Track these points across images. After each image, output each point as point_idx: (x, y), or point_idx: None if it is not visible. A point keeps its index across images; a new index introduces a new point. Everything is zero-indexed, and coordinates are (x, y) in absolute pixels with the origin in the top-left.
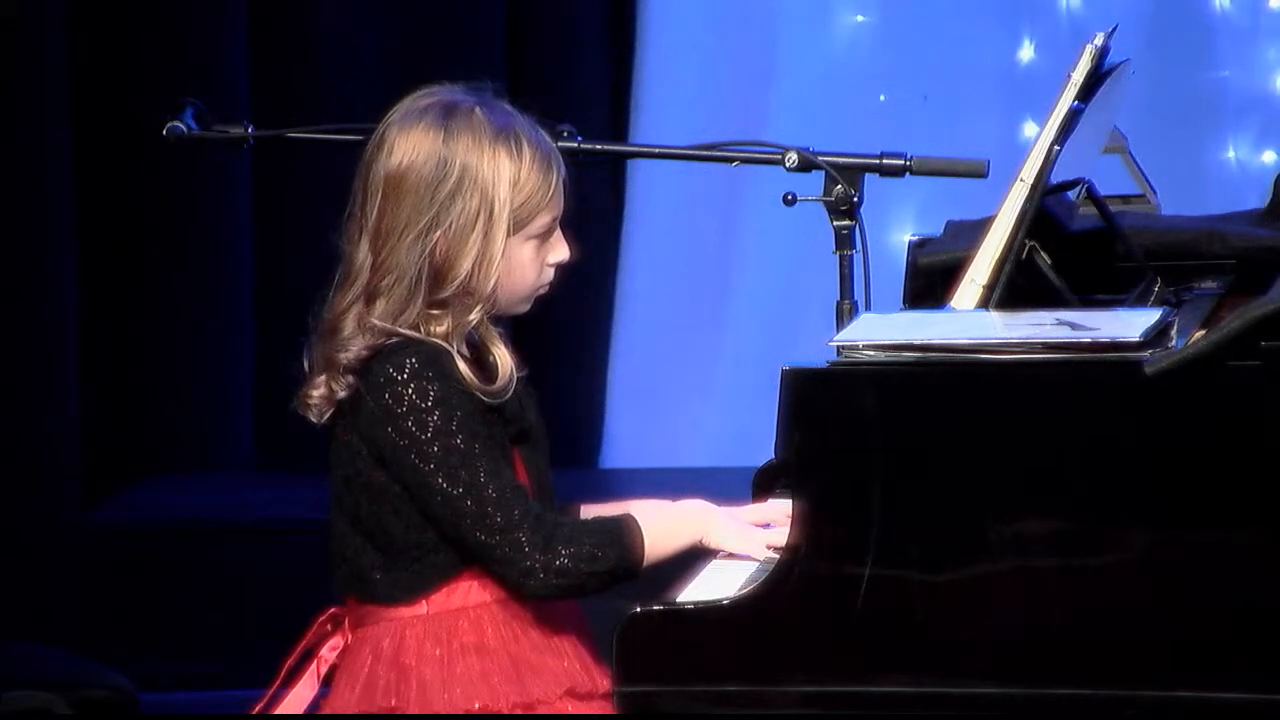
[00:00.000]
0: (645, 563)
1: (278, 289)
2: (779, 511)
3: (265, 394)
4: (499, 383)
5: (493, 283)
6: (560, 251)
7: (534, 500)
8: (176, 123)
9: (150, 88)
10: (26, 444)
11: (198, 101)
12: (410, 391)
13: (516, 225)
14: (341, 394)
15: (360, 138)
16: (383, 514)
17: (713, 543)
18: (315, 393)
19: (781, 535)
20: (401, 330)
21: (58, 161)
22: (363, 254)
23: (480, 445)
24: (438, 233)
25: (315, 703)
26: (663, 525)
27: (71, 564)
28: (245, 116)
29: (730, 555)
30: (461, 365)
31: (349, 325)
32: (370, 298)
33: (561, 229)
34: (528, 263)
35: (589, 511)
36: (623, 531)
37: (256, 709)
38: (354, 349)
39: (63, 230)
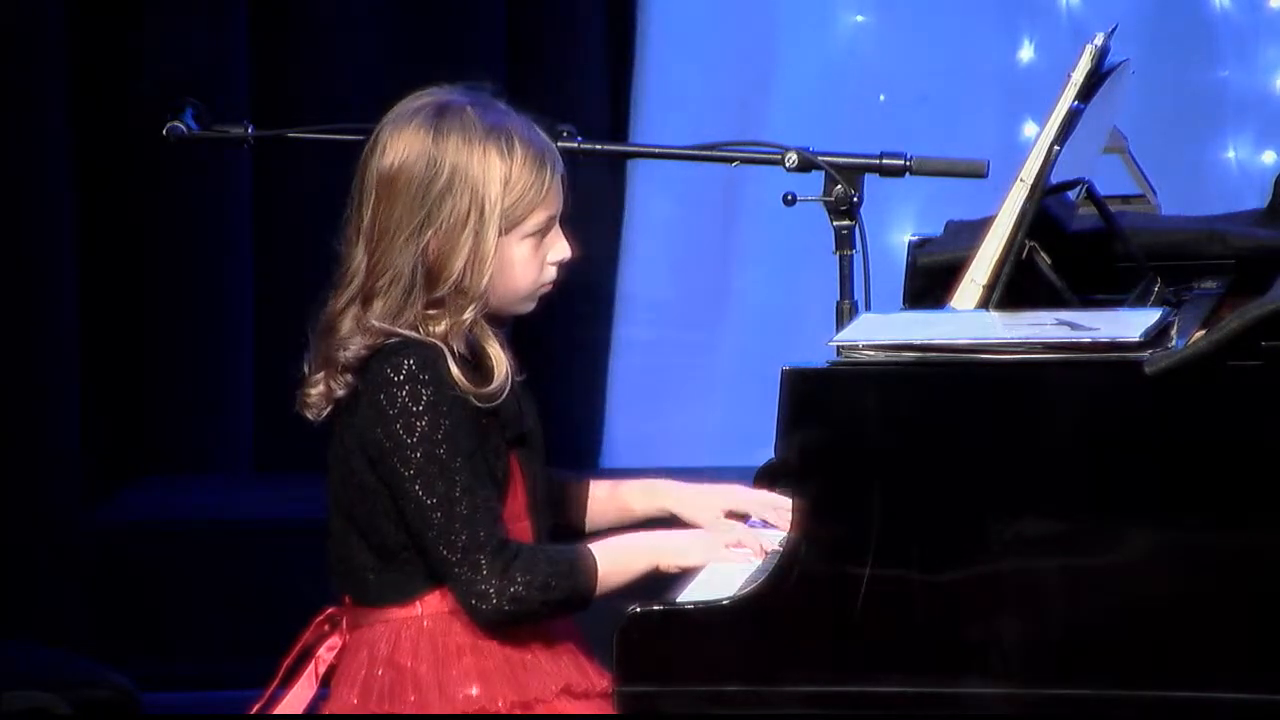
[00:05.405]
0: (597, 593)
1: (278, 290)
2: (750, 531)
3: (265, 394)
4: (494, 384)
5: (486, 281)
6: (560, 249)
7: (502, 527)
8: (176, 123)
9: (150, 88)
10: (27, 445)
11: (198, 101)
12: (404, 394)
13: (510, 224)
14: (340, 393)
15: (360, 138)
16: (375, 514)
17: (672, 566)
18: (314, 391)
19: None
20: (400, 330)
21: (57, 161)
22: (359, 255)
23: (462, 458)
24: (430, 232)
25: (314, 703)
26: (615, 555)
27: (71, 564)
28: (245, 116)
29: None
30: (455, 369)
31: (346, 325)
32: (367, 298)
33: (562, 227)
34: (524, 261)
35: (598, 487)
36: (577, 562)
37: (254, 709)
38: (353, 348)
39: (63, 230)
